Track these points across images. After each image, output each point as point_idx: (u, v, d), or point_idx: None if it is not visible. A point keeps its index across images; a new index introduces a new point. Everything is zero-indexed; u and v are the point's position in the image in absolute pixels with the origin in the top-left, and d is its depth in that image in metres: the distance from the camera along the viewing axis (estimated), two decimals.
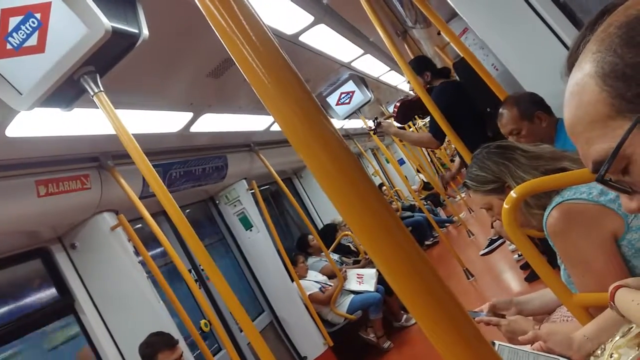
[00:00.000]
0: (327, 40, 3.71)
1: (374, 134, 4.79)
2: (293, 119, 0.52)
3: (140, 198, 2.79)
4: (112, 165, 2.90)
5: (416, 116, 7.50)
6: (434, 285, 0.46)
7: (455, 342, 0.46)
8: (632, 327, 1.01)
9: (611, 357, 1.00)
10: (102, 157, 2.89)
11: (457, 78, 4.06)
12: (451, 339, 0.46)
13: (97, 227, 3.06)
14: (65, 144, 2.62)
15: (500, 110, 2.42)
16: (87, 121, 2.54)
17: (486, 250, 5.65)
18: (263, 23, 0.56)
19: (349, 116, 5.36)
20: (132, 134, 1.78)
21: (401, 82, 7.49)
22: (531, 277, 4.03)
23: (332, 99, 5.22)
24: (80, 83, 1.68)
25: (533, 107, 2.32)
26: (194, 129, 3.46)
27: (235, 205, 4.80)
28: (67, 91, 1.73)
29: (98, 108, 1.73)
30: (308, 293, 4.60)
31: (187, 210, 4.52)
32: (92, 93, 1.69)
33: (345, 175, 0.50)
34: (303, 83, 0.55)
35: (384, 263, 0.47)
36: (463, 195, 9.71)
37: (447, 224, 8.46)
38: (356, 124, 7.41)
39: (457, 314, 0.46)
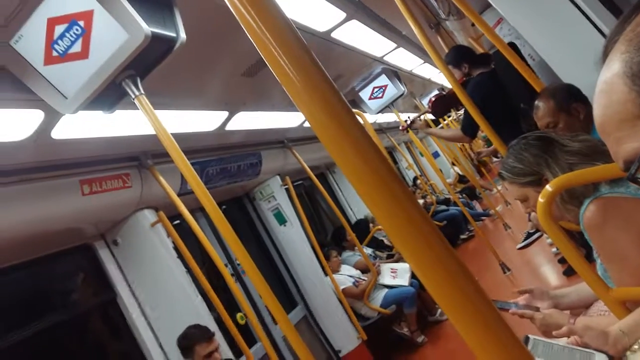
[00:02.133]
0: (359, 36, 3.71)
1: (407, 132, 4.76)
2: (322, 117, 0.54)
3: (178, 195, 2.88)
4: (152, 164, 2.99)
5: (452, 109, 7.41)
6: (463, 282, 0.48)
7: (485, 336, 0.48)
8: None
9: None
10: (142, 157, 2.99)
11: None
12: (481, 334, 0.48)
13: (138, 223, 3.16)
14: (107, 145, 2.73)
15: (536, 102, 2.36)
16: (128, 122, 2.64)
17: (523, 243, 5.55)
18: (292, 24, 0.58)
19: (382, 110, 5.34)
20: (171, 134, 1.84)
21: (435, 74, 7.40)
22: (570, 271, 3.94)
23: (364, 94, 5.22)
24: (121, 86, 1.75)
25: (570, 99, 2.26)
26: (229, 127, 3.53)
27: (269, 201, 4.87)
28: (109, 94, 1.80)
29: (138, 109, 1.80)
30: (342, 287, 4.63)
31: (224, 207, 4.61)
32: (133, 96, 1.75)
33: (373, 171, 0.51)
34: (331, 82, 0.57)
35: (413, 259, 0.49)
36: (499, 187, 9.54)
37: (483, 218, 8.32)
38: (389, 117, 7.36)
39: (485, 310, 0.48)
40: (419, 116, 4.50)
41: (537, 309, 1.60)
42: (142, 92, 1.75)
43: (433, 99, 4.33)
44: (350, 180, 0.53)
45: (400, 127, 4.64)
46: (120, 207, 3.06)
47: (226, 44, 2.56)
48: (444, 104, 4.38)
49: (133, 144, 2.91)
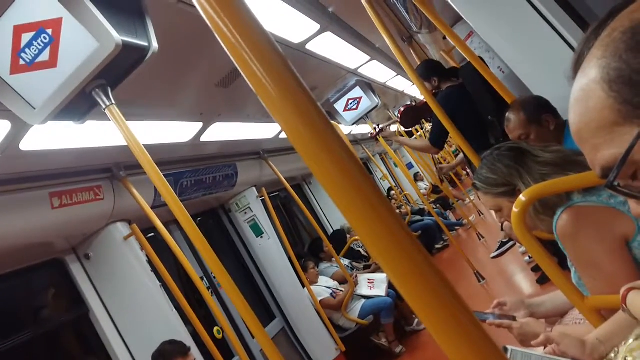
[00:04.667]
0: (334, 48, 3.73)
1: (376, 140, 4.82)
2: (299, 127, 0.53)
3: (152, 207, 2.82)
4: (125, 175, 2.94)
5: (423, 120, 7.51)
6: (442, 291, 0.47)
7: (464, 346, 0.47)
8: None
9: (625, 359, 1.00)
10: (114, 168, 2.93)
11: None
12: (460, 343, 0.47)
13: (111, 237, 3.09)
14: (78, 156, 2.66)
15: (507, 115, 2.40)
16: (99, 133, 2.58)
17: (497, 252, 5.62)
18: (268, 33, 0.57)
19: (356, 122, 5.37)
20: (144, 145, 1.80)
21: (408, 86, 7.49)
22: (543, 279, 4.00)
23: (339, 106, 5.24)
24: (92, 96, 1.71)
25: (540, 110, 2.30)
26: (204, 138, 3.50)
27: (245, 213, 4.83)
28: (79, 104, 1.76)
29: (110, 120, 1.76)
30: (319, 299, 4.60)
31: (199, 219, 4.55)
32: (104, 106, 1.72)
33: (351, 182, 0.51)
34: (308, 92, 0.56)
35: (391, 269, 0.48)
36: (472, 198, 9.68)
37: (457, 227, 8.42)
38: (364, 129, 7.42)
39: (465, 319, 0.47)
40: (389, 125, 4.55)
41: (514, 319, 1.61)
42: (113, 102, 1.72)
43: (402, 109, 4.40)
44: (327, 190, 0.52)
45: (370, 134, 4.69)
46: (92, 220, 2.99)
47: (200, 53, 2.53)
48: (413, 114, 4.46)
49: (105, 156, 2.85)
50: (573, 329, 1.47)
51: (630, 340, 1.04)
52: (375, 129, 4.29)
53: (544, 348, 1.29)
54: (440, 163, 8.94)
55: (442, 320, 0.48)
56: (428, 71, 3.67)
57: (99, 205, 2.88)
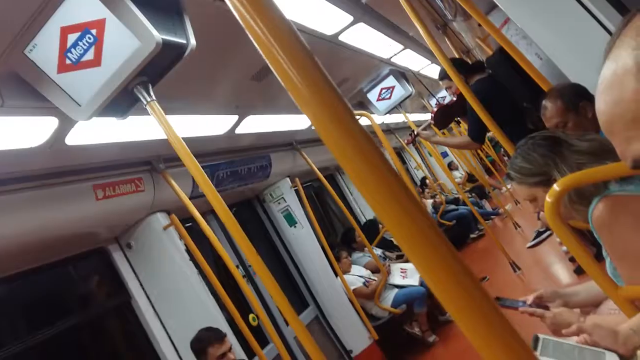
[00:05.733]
0: (367, 38, 3.73)
1: (414, 145, 4.78)
2: (326, 122, 0.56)
3: (190, 198, 2.91)
4: (164, 168, 3.03)
5: (455, 118, 7.39)
6: (468, 284, 0.49)
7: (490, 337, 0.49)
8: None
9: None
10: (154, 161, 3.03)
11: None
12: (485, 335, 0.49)
13: (151, 227, 3.20)
14: (120, 150, 2.77)
15: (544, 102, 2.35)
16: (140, 127, 2.68)
17: (533, 242, 5.53)
18: (295, 29, 0.60)
19: (390, 111, 5.35)
20: (182, 138, 1.86)
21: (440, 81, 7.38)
22: (580, 270, 3.92)
23: (372, 95, 5.23)
24: (134, 93, 1.78)
25: (577, 98, 2.24)
26: (239, 130, 3.57)
27: (279, 203, 4.90)
28: (121, 101, 1.84)
29: (150, 115, 1.83)
30: (352, 288, 4.64)
31: (234, 209, 4.65)
32: (145, 102, 1.78)
33: (375, 174, 0.52)
34: (335, 87, 0.59)
35: (418, 261, 0.50)
36: (509, 186, 9.49)
37: (492, 217, 8.29)
38: (398, 118, 7.36)
39: (489, 311, 0.49)
40: (424, 127, 4.50)
41: (547, 308, 1.60)
42: (154, 98, 1.78)
43: (435, 109, 4.34)
44: (354, 182, 0.55)
45: (406, 141, 4.65)
46: (134, 211, 3.10)
47: (234, 48, 2.59)
48: (446, 114, 4.39)
49: (145, 149, 2.95)
50: (607, 319, 1.46)
51: None
52: (411, 134, 4.26)
53: (577, 338, 1.29)
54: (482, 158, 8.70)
55: (467, 311, 0.50)
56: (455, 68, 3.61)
57: (140, 196, 2.99)
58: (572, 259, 4.29)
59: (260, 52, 0.61)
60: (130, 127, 2.63)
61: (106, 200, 2.73)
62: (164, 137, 1.87)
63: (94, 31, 1.72)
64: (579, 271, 3.97)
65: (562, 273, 4.52)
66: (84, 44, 1.74)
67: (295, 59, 0.59)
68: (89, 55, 1.75)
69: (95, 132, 2.47)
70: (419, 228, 0.51)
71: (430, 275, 0.50)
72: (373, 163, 0.54)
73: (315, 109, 0.58)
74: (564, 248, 4.64)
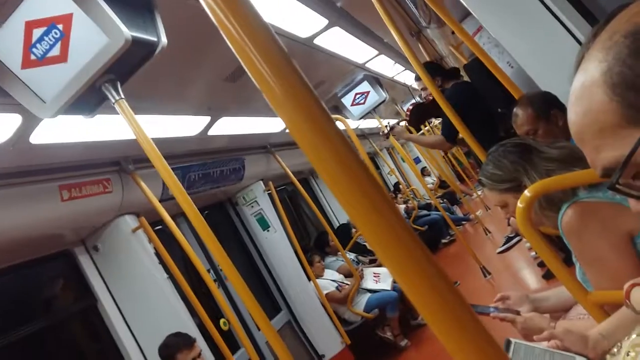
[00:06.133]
0: (342, 42, 3.73)
1: (387, 138, 4.83)
2: (301, 124, 0.55)
3: (160, 201, 2.85)
4: (133, 169, 2.96)
5: (429, 118, 7.49)
6: (442, 288, 0.48)
7: (463, 341, 0.48)
8: None
9: (628, 355, 1.01)
10: (123, 162, 2.96)
11: (468, 79, 4.06)
12: (459, 339, 0.48)
13: (119, 229, 3.13)
14: (87, 150, 2.69)
15: (515, 110, 2.39)
16: (108, 127, 2.61)
17: (503, 247, 5.62)
18: (271, 29, 0.58)
19: (364, 116, 5.37)
20: (152, 139, 1.82)
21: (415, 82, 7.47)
22: (549, 275, 3.99)
23: (347, 100, 5.24)
24: (101, 91, 1.73)
25: (548, 106, 2.29)
26: (211, 132, 3.52)
27: (252, 206, 4.86)
28: (89, 99, 1.78)
29: (119, 114, 1.78)
30: (325, 292, 4.63)
31: (206, 212, 4.58)
32: (113, 100, 1.74)
33: (352, 179, 0.51)
34: (311, 89, 0.57)
35: (391, 264, 0.49)
36: (479, 192, 9.65)
37: (463, 222, 8.41)
38: (372, 123, 7.41)
39: (464, 315, 0.48)
40: (399, 122, 4.54)
41: (518, 313, 1.62)
42: (123, 96, 1.74)
43: (410, 107, 4.39)
44: (328, 185, 0.53)
45: (381, 133, 4.69)
46: (101, 213, 3.02)
47: (208, 48, 2.55)
48: (420, 112, 4.45)
49: (114, 149, 2.88)
50: (577, 324, 1.48)
51: (634, 336, 1.04)
52: (386, 126, 4.30)
53: (548, 343, 1.30)
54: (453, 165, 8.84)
55: (441, 315, 0.49)
56: (431, 72, 3.66)
57: (108, 198, 2.91)
58: (540, 264, 4.37)
59: (234, 51, 0.59)
60: (98, 127, 2.56)
61: (72, 201, 2.65)
62: (134, 137, 1.82)
63: (60, 26, 1.67)
64: (547, 276, 4.04)
65: (531, 278, 4.59)
66: (50, 39, 1.69)
67: (270, 59, 0.57)
68: (55, 51, 1.70)
69: (62, 130, 2.40)
70: (395, 232, 0.49)
71: (403, 277, 0.49)
72: (349, 166, 0.53)
73: (291, 110, 0.56)
74: (533, 253, 4.74)
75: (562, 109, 2.31)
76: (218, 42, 2.38)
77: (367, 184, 0.51)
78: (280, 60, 0.57)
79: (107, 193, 2.89)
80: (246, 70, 0.58)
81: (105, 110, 1.91)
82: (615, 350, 1.09)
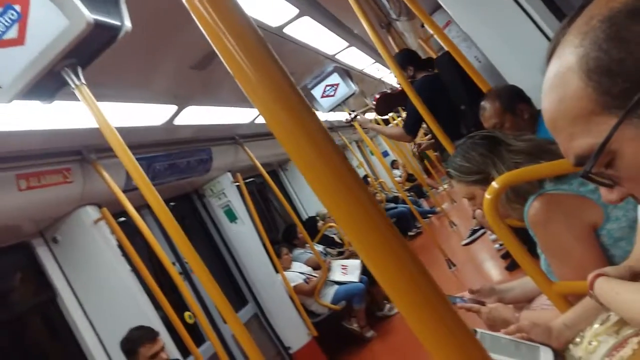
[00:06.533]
0: (312, 33, 3.70)
1: (351, 125, 4.86)
2: (278, 112, 0.52)
3: (123, 191, 2.77)
4: (95, 158, 2.86)
5: (400, 108, 7.55)
6: (417, 274, 0.47)
7: (437, 329, 0.47)
8: (610, 315, 1.04)
9: (590, 344, 1.03)
10: (84, 151, 2.85)
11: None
12: (432, 326, 0.48)
13: (80, 220, 3.03)
14: (46, 138, 2.59)
15: (482, 103, 2.43)
16: (69, 114, 2.51)
17: (468, 240, 5.73)
18: (247, 14, 0.56)
19: (333, 108, 5.36)
20: (115, 127, 1.77)
21: (386, 74, 7.51)
22: (512, 267, 4.10)
23: (316, 92, 5.21)
24: (61, 75, 1.66)
25: (515, 99, 2.33)
26: (177, 121, 3.43)
27: (220, 198, 4.79)
28: (48, 84, 1.70)
29: (80, 101, 1.71)
30: (292, 284, 4.62)
31: (172, 204, 4.49)
32: (73, 85, 1.66)
33: (330, 168, 0.50)
34: (288, 76, 0.55)
35: (368, 253, 0.48)
36: (445, 186, 9.81)
37: (429, 215, 8.54)
38: (341, 116, 7.41)
39: (438, 302, 0.47)
40: (364, 112, 4.56)
41: (483, 303, 1.64)
42: (84, 82, 1.67)
43: (377, 96, 4.42)
44: (305, 176, 0.52)
45: (345, 120, 4.70)
46: (61, 203, 2.92)
47: (175, 34, 2.47)
48: (388, 102, 4.49)
49: (75, 138, 2.77)
50: (540, 314, 1.50)
51: (596, 325, 1.07)
52: (350, 113, 4.31)
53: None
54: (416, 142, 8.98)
55: (415, 302, 0.48)
56: (405, 60, 3.69)
57: (68, 188, 2.81)
58: (504, 257, 4.48)
59: (205, 34, 0.55)
60: (59, 114, 2.46)
61: (30, 191, 2.55)
62: (96, 125, 1.76)
63: (17, 7, 1.58)
64: (510, 268, 4.14)
65: (494, 270, 4.70)
66: (6, 20, 1.60)
67: (245, 44, 0.54)
68: (12, 34, 1.61)
69: (20, 117, 2.29)
70: (372, 221, 0.48)
71: (376, 263, 0.47)
72: (328, 155, 0.51)
73: (267, 99, 0.53)
74: (497, 246, 4.85)
75: (528, 102, 2.35)
76: (185, 27, 2.32)
77: (345, 173, 0.50)
78: (256, 46, 0.55)
79: (68, 183, 2.79)
80: (219, 55, 0.55)
81: (66, 96, 1.83)
82: (578, 339, 1.11)
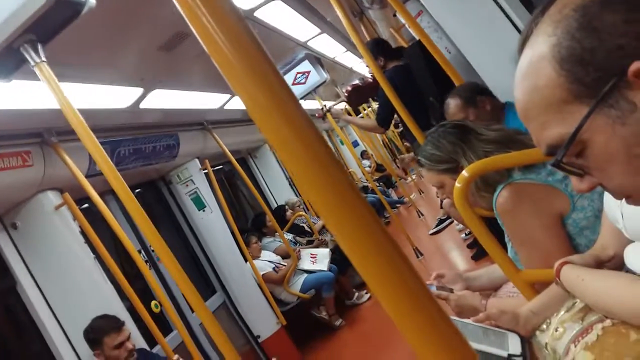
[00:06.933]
0: (283, 18, 3.64)
1: (324, 118, 4.85)
2: (258, 96, 0.50)
3: (86, 176, 2.68)
4: (56, 141, 2.75)
5: (371, 99, 7.57)
6: (396, 259, 0.46)
7: (413, 313, 0.46)
8: (576, 302, 1.06)
9: (556, 330, 1.05)
10: (45, 133, 2.74)
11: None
12: (411, 312, 0.46)
13: (40, 206, 2.91)
14: (4, 118, 2.46)
15: (446, 101, 2.55)
16: (30, 94, 2.39)
17: (435, 229, 5.82)
18: None
19: (304, 97, 5.32)
20: (78, 109, 1.70)
21: (357, 63, 7.49)
22: (477, 256, 4.18)
23: (287, 79, 5.15)
24: (20, 52, 1.58)
25: (474, 93, 2.46)
26: (144, 105, 3.33)
27: (187, 185, 4.70)
28: (5, 60, 1.63)
29: (40, 80, 1.64)
30: (262, 273, 4.60)
31: (137, 190, 4.39)
32: (32, 63, 1.59)
33: (312, 153, 0.48)
34: (269, 58, 0.52)
35: (346, 237, 0.46)
36: (414, 177, 9.93)
37: (398, 205, 8.63)
38: (311, 104, 7.37)
39: (417, 288, 0.46)
40: (336, 104, 4.56)
41: (451, 291, 1.66)
42: (44, 59, 1.59)
43: (349, 88, 4.43)
44: (285, 162, 0.50)
45: (317, 115, 4.69)
46: (20, 188, 2.79)
47: (142, 13, 2.37)
48: (360, 94, 4.51)
49: (35, 119, 2.65)
50: (506, 302, 1.53)
51: (562, 312, 1.08)
52: (323, 108, 4.30)
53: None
54: (395, 152, 9.10)
55: (392, 286, 0.47)
56: (376, 50, 3.69)
57: (27, 172, 2.70)
58: (470, 246, 4.56)
59: (181, 11, 0.52)
60: (18, 93, 2.34)
61: None
62: (58, 107, 1.69)
63: None
64: (476, 257, 4.21)
65: (460, 259, 4.78)
66: None
67: (226, 25, 0.51)
68: None
69: None
70: (356, 210, 0.46)
71: (357, 252, 0.45)
72: (315, 149, 0.49)
73: (251, 86, 0.50)
74: (463, 235, 4.94)
75: (488, 95, 2.45)
76: (152, 5, 2.23)
77: (327, 159, 0.48)
78: (237, 28, 0.52)
79: (27, 167, 2.67)
80: (198, 37, 0.51)
81: (27, 76, 1.75)
82: (544, 326, 1.13)
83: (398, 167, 10.95)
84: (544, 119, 0.56)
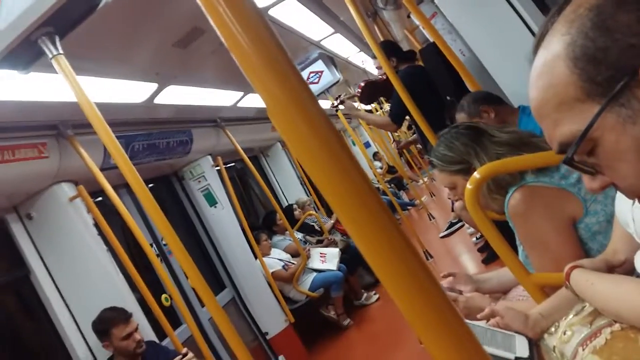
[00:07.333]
0: (297, 16, 3.65)
1: (336, 110, 4.84)
2: (277, 92, 0.50)
3: (101, 169, 2.70)
4: (72, 134, 2.79)
5: (382, 98, 7.55)
6: (410, 258, 0.46)
7: (427, 312, 0.47)
8: (585, 306, 1.05)
9: (565, 334, 1.04)
10: (61, 126, 2.77)
11: (422, 64, 4.11)
12: (423, 309, 0.47)
13: (55, 197, 2.95)
14: (21, 110, 2.50)
15: (456, 116, 2.52)
16: (47, 87, 2.43)
17: (446, 232, 5.79)
18: None
19: (317, 96, 5.32)
20: (94, 103, 1.72)
21: (370, 64, 7.48)
22: (488, 260, 4.15)
23: None
24: (38, 44, 1.61)
25: (476, 104, 2.43)
26: (158, 100, 3.36)
27: (199, 181, 4.73)
28: (24, 52, 1.65)
29: (57, 73, 1.66)
30: (271, 270, 4.61)
31: (150, 185, 4.42)
32: (50, 55, 1.61)
33: (330, 152, 0.49)
34: (288, 55, 0.53)
35: (362, 236, 0.47)
36: (425, 179, 9.90)
37: (409, 207, 8.60)
38: (324, 104, 7.38)
39: (431, 286, 0.46)
40: (349, 97, 4.54)
41: (460, 292, 1.65)
42: (61, 52, 1.61)
43: (362, 84, 4.41)
44: (302, 160, 0.50)
45: (331, 105, 4.68)
46: (35, 179, 2.84)
47: (158, 9, 2.39)
48: (372, 91, 4.48)
49: (52, 111, 2.68)
50: (516, 305, 1.52)
51: (571, 316, 1.08)
52: (337, 98, 4.29)
53: (487, 321, 1.33)
54: (395, 140, 9.09)
55: (406, 285, 0.47)
56: (388, 51, 3.68)
57: (43, 163, 2.74)
58: (480, 250, 4.53)
59: (203, 8, 0.52)
60: (35, 85, 2.37)
61: (3, 165, 2.47)
62: (74, 99, 1.71)
63: None
64: (486, 261, 4.19)
65: (471, 263, 4.75)
66: None
67: (246, 21, 0.51)
68: None
69: None
70: (372, 212, 0.47)
71: (372, 249, 0.46)
72: (334, 150, 0.50)
73: (270, 83, 0.51)
74: (474, 239, 4.91)
75: (491, 102, 2.44)
76: (169, 1, 2.25)
77: (345, 159, 0.49)
78: (258, 24, 0.52)
79: (43, 158, 2.71)
80: (218, 32, 0.52)
81: (44, 68, 1.77)
82: (553, 329, 1.12)
83: (410, 168, 10.92)
84: (556, 116, 0.57)
